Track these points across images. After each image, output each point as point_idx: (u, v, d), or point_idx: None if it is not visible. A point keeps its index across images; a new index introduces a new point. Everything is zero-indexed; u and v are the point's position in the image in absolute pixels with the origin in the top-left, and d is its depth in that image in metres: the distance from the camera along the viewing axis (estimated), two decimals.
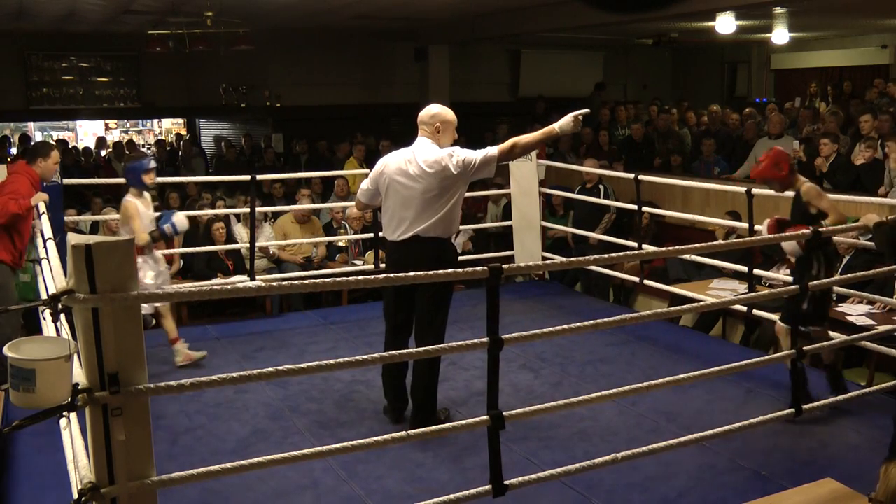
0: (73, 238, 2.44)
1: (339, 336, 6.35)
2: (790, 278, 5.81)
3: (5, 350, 2.50)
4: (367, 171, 4.89)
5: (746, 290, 6.09)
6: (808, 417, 4.17)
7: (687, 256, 6.75)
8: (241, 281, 6.78)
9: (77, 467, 2.84)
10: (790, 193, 4.81)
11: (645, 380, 3.85)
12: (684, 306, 5.31)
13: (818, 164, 7.63)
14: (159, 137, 15.36)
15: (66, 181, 6.23)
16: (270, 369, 2.85)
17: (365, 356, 3.09)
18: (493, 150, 4.40)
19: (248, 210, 6.85)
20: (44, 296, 4.30)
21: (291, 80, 13.01)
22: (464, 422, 3.41)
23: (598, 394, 3.66)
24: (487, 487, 3.22)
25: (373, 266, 7.21)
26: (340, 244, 8.29)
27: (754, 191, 5.79)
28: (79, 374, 2.52)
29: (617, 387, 3.76)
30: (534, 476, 3.33)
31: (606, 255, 3.60)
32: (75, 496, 2.50)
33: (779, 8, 9.73)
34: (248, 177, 6.74)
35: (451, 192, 4.45)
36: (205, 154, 13.36)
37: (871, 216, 4.24)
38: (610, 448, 3.90)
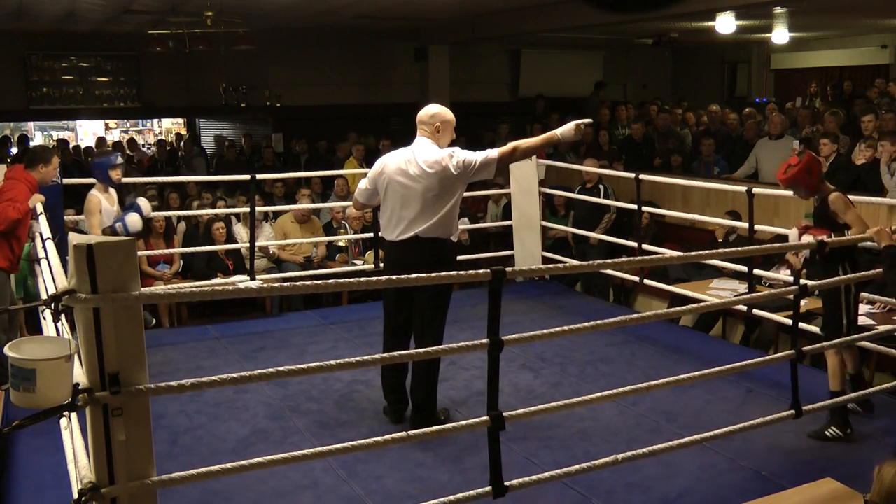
0: (74, 238, 2.44)
1: (339, 336, 6.35)
2: (790, 278, 5.82)
3: (6, 350, 2.50)
4: (366, 170, 4.89)
5: (746, 290, 6.09)
6: (808, 417, 4.17)
7: None
8: (241, 281, 6.78)
9: (77, 467, 2.85)
10: (788, 194, 4.79)
11: (645, 380, 3.86)
12: (684, 306, 5.31)
13: None
14: (159, 137, 15.35)
15: (66, 181, 6.23)
16: (270, 369, 2.85)
17: (365, 356, 3.10)
18: (493, 153, 4.41)
19: (248, 210, 6.85)
20: (44, 296, 4.30)
21: (291, 80, 13.01)
22: (464, 422, 3.41)
23: (598, 394, 3.66)
24: (487, 488, 3.22)
25: (373, 266, 7.21)
26: (340, 244, 8.29)
27: (754, 190, 5.79)
28: (79, 374, 2.52)
29: (617, 387, 3.76)
30: (534, 476, 3.33)
31: (609, 261, 3.60)
32: (75, 496, 2.50)
33: (779, 8, 9.73)
34: (247, 177, 6.75)
35: (451, 193, 4.45)
36: (205, 153, 13.37)
37: (882, 231, 4.09)
38: (610, 448, 3.90)
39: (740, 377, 5.06)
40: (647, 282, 7.06)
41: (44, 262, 4.72)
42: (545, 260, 7.57)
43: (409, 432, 3.35)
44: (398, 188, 4.47)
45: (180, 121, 15.94)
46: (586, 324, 3.49)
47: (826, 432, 4.33)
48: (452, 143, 4.61)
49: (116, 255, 2.41)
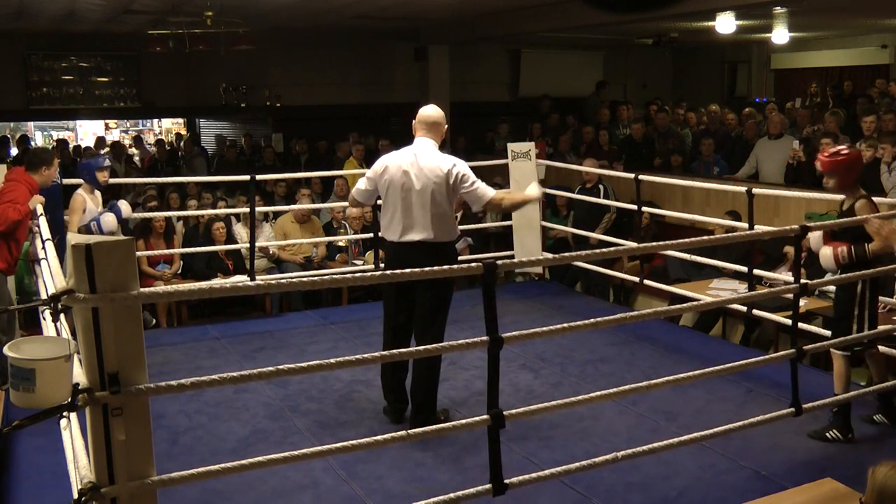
0: (72, 238, 2.44)
1: (339, 336, 6.35)
2: (791, 278, 5.81)
3: (5, 350, 2.50)
4: (367, 170, 4.89)
5: (746, 290, 6.09)
6: (808, 417, 4.17)
7: (687, 256, 6.75)
8: (240, 281, 6.78)
9: (77, 467, 2.84)
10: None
11: (645, 380, 3.86)
12: (684, 305, 5.30)
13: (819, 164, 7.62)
14: (159, 137, 15.34)
15: (66, 181, 6.23)
16: (270, 369, 2.85)
17: (365, 356, 3.10)
18: (490, 192, 4.50)
19: (248, 210, 6.85)
20: (44, 296, 4.30)
21: (291, 80, 13.01)
22: (464, 421, 3.41)
23: (598, 393, 3.66)
24: (487, 487, 3.22)
25: (373, 266, 7.22)
26: (340, 244, 8.29)
27: (754, 191, 5.79)
28: (79, 374, 2.52)
29: (617, 386, 3.76)
30: (534, 475, 3.33)
31: (599, 251, 3.60)
32: (75, 496, 2.50)
33: (779, 8, 9.72)
34: (247, 177, 6.75)
35: (451, 199, 4.49)
36: (206, 153, 13.37)
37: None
38: (610, 447, 3.90)
39: (740, 377, 5.06)
40: (647, 282, 7.06)
41: (43, 263, 4.72)
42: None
43: (409, 432, 3.35)
44: (400, 190, 4.47)
45: (180, 121, 15.92)
46: (586, 322, 3.49)
47: (827, 434, 4.33)
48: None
49: (115, 254, 2.41)
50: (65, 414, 2.62)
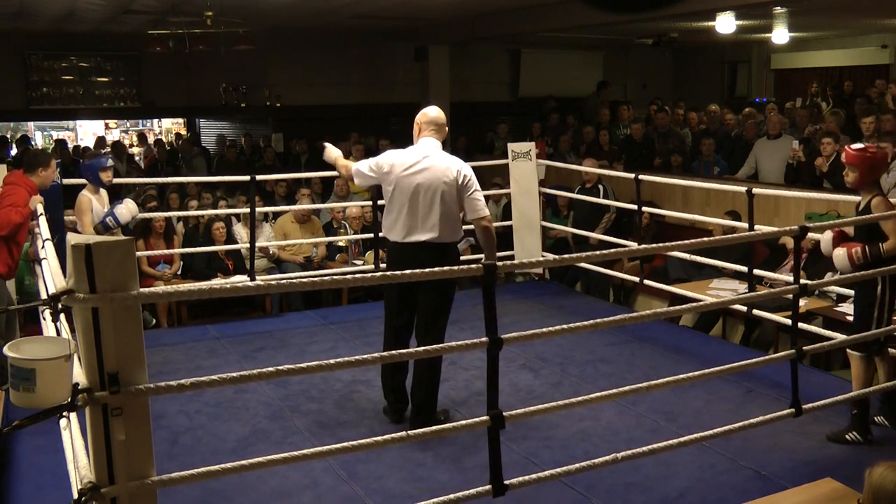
0: (72, 238, 2.44)
1: (339, 336, 6.35)
2: (791, 278, 5.81)
3: (5, 350, 2.50)
4: None
5: (746, 290, 6.09)
6: (808, 417, 4.17)
7: (687, 256, 6.75)
8: (240, 281, 6.78)
9: (77, 467, 2.84)
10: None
11: (645, 380, 3.86)
12: (684, 306, 5.30)
13: (819, 164, 7.62)
14: (158, 137, 15.34)
15: (66, 181, 6.23)
16: (270, 369, 2.85)
17: (365, 356, 3.10)
18: (486, 210, 4.55)
19: (248, 210, 6.85)
20: (44, 296, 4.30)
21: (291, 80, 13.00)
22: (464, 422, 3.41)
23: (598, 394, 3.66)
24: (487, 487, 3.22)
25: (373, 266, 7.22)
26: (340, 244, 8.29)
27: (754, 191, 5.79)
28: (79, 374, 2.52)
29: (617, 387, 3.76)
30: (534, 476, 3.33)
31: (600, 252, 3.61)
32: (75, 496, 2.50)
33: (779, 8, 9.72)
34: (248, 177, 6.74)
35: (459, 200, 4.49)
36: (208, 153, 13.37)
37: None
38: (610, 448, 3.90)
39: (740, 377, 5.06)
40: (647, 282, 7.06)
41: (44, 263, 4.72)
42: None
43: (409, 432, 3.35)
44: (408, 190, 4.45)
45: (180, 121, 15.93)
46: (586, 323, 3.49)
47: (847, 436, 4.31)
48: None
49: (115, 254, 2.41)
50: (65, 414, 2.62)
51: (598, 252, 3.59)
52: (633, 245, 6.95)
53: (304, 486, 3.95)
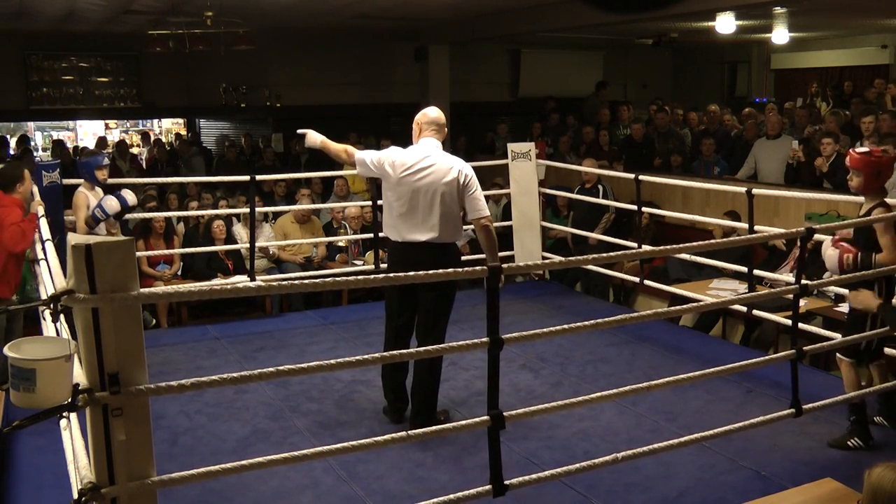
0: (72, 238, 2.44)
1: (339, 336, 6.35)
2: (791, 278, 5.81)
3: (6, 350, 2.50)
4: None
5: (746, 290, 6.09)
6: (808, 417, 4.17)
7: (687, 256, 6.75)
8: (240, 281, 6.78)
9: (77, 467, 2.85)
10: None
11: (645, 380, 3.86)
12: (684, 306, 5.30)
13: (818, 164, 7.62)
14: (157, 137, 15.35)
15: (66, 181, 6.23)
16: (270, 369, 2.85)
17: (365, 356, 3.10)
18: (486, 210, 4.52)
19: (248, 210, 6.85)
20: (44, 296, 4.30)
21: (291, 80, 13.01)
22: (464, 422, 3.41)
23: (598, 394, 3.66)
24: (487, 487, 3.23)
25: (373, 266, 7.22)
26: (340, 244, 8.29)
27: (754, 191, 5.79)
28: (79, 374, 2.52)
29: (617, 387, 3.76)
30: (534, 476, 3.33)
31: (605, 255, 3.61)
32: (75, 496, 2.50)
33: (779, 8, 9.72)
34: (247, 177, 6.74)
35: (459, 200, 4.49)
36: (209, 153, 13.37)
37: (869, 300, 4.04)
38: (610, 448, 3.90)
39: (740, 377, 5.06)
40: (647, 282, 7.06)
41: (43, 263, 4.73)
42: (545, 260, 7.57)
43: (409, 432, 3.35)
44: (409, 190, 4.45)
45: (180, 121, 15.93)
46: (586, 323, 3.49)
47: (849, 442, 4.29)
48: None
49: (115, 254, 2.41)
50: (65, 414, 2.62)
51: (603, 255, 3.57)
52: (633, 245, 6.97)
53: (304, 486, 3.95)
